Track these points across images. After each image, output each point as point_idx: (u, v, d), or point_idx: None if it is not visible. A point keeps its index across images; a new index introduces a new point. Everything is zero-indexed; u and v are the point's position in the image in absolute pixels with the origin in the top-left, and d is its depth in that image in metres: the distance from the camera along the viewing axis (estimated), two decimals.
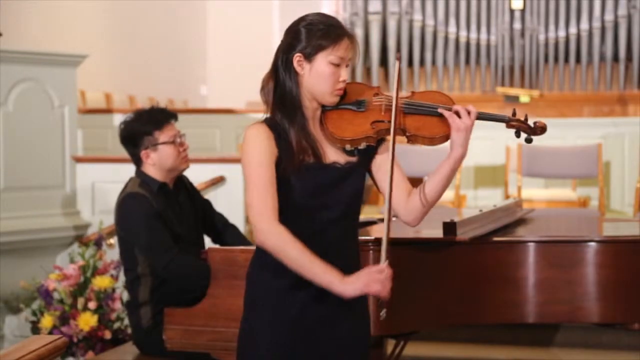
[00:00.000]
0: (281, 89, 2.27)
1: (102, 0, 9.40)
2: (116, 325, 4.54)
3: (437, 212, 3.78)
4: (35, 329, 4.57)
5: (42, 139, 5.41)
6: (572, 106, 10.64)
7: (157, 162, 3.53)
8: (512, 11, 11.16)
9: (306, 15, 2.31)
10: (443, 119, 2.30)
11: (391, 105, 2.30)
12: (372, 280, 2.14)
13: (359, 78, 11.19)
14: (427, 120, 2.32)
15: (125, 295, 4.43)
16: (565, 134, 7.95)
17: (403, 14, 11.25)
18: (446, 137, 2.31)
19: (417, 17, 11.23)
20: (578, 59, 11.06)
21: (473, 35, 11.25)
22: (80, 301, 4.47)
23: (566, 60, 11.06)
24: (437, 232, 2.87)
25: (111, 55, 9.43)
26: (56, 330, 4.44)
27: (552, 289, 2.95)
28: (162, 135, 3.53)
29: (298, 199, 2.23)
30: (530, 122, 2.41)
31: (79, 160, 5.58)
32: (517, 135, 2.41)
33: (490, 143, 7.77)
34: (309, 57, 2.24)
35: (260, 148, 2.22)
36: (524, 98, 10.62)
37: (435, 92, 2.41)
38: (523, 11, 11.13)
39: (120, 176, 5.51)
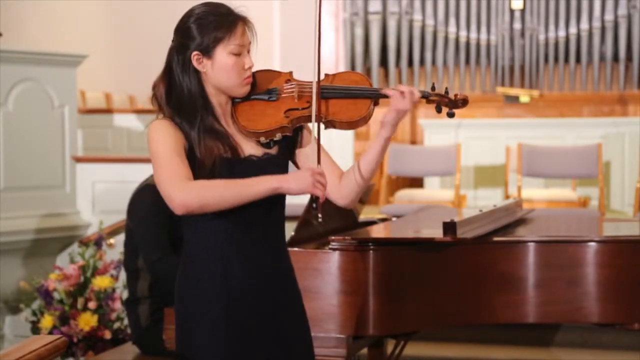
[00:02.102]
0: (178, 92, 2.16)
1: (102, 0, 9.40)
2: (116, 325, 4.55)
3: (437, 212, 3.78)
4: (35, 329, 4.58)
5: (42, 139, 5.41)
6: (572, 106, 10.63)
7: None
8: (512, 11, 11.15)
9: (192, 9, 2.21)
10: (358, 102, 2.22)
11: (304, 92, 2.21)
12: (316, 181, 2.06)
13: None
14: (343, 103, 2.22)
15: (125, 295, 4.44)
16: (565, 134, 7.94)
17: (403, 14, 11.25)
18: (364, 120, 2.24)
19: (417, 17, 11.23)
20: (578, 59, 11.05)
21: (473, 35, 11.24)
22: (80, 301, 4.47)
23: (566, 60, 11.05)
24: (437, 232, 2.87)
25: (111, 55, 9.43)
26: (56, 330, 4.44)
27: (552, 289, 2.95)
28: None
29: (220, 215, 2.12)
30: (451, 95, 2.29)
31: (79, 160, 5.58)
32: (438, 110, 2.30)
33: (490, 143, 7.77)
34: (207, 52, 2.14)
35: (167, 137, 2.11)
36: (524, 98, 10.62)
37: (350, 73, 2.31)
38: (523, 11, 11.12)
39: (120, 176, 5.54)
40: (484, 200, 7.41)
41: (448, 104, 2.28)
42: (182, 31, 2.19)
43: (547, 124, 8.47)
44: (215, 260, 2.17)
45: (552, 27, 11.04)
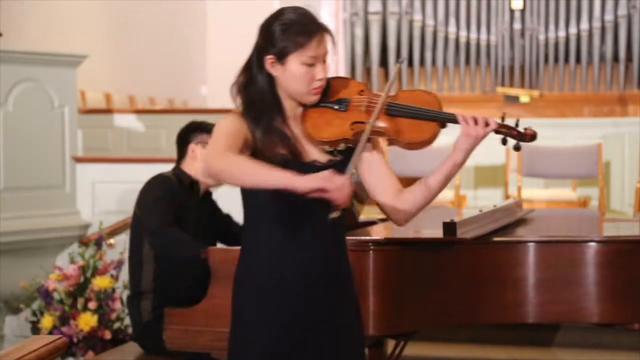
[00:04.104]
0: (252, 89, 2.22)
1: (102, 0, 9.40)
2: (116, 325, 4.55)
3: (437, 212, 3.78)
4: (35, 329, 4.58)
5: (42, 139, 5.41)
6: (572, 106, 10.64)
7: (200, 159, 3.60)
8: (512, 11, 11.16)
9: (279, 12, 2.24)
10: (423, 124, 2.25)
11: (373, 105, 2.24)
12: (331, 181, 1.99)
13: (358, 78, 11.20)
14: (408, 123, 2.25)
15: (125, 295, 4.44)
16: (565, 134, 7.95)
17: (403, 14, 11.25)
18: (426, 143, 2.27)
19: (417, 17, 11.23)
20: (578, 59, 11.06)
21: (473, 35, 11.25)
22: (80, 301, 4.47)
23: (566, 60, 11.06)
24: (437, 232, 2.87)
25: (111, 55, 9.43)
26: (56, 330, 4.44)
27: (552, 289, 2.95)
28: None
29: (278, 196, 2.13)
30: (521, 128, 2.35)
31: (79, 160, 5.58)
32: (504, 142, 2.38)
33: (490, 143, 7.75)
34: (280, 59, 2.19)
35: (230, 125, 2.18)
36: (524, 98, 10.62)
37: (421, 93, 2.33)
38: (523, 11, 11.13)
39: (120, 176, 5.54)
40: (484, 200, 7.41)
41: (516, 137, 2.33)
42: (263, 32, 2.23)
43: (547, 124, 8.47)
44: (271, 254, 2.21)
45: (552, 27, 11.05)
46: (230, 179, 2.06)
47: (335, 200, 2.01)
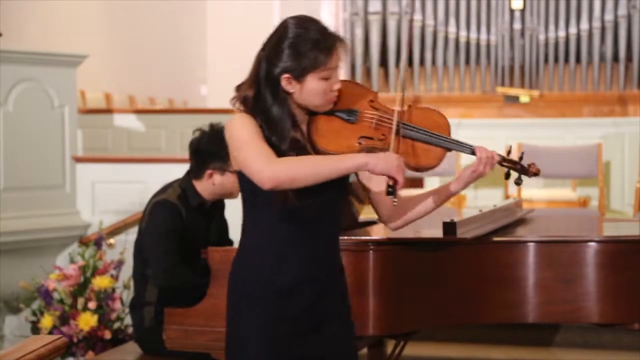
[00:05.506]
0: (262, 104, 2.14)
1: (102, 1, 9.40)
2: (116, 325, 4.55)
3: (437, 212, 3.78)
4: (35, 329, 4.58)
5: (42, 139, 5.41)
6: (572, 106, 10.64)
7: (218, 185, 3.54)
8: (512, 11, 11.16)
9: (287, 26, 2.14)
10: (432, 149, 2.22)
11: (383, 123, 2.19)
12: (399, 165, 2.07)
13: (359, 78, 11.19)
14: (416, 146, 2.21)
15: (125, 295, 4.44)
16: (565, 134, 7.95)
17: (403, 14, 11.25)
18: (432, 168, 2.23)
19: (417, 17, 11.23)
20: (578, 59, 11.05)
21: (473, 35, 11.25)
22: (80, 301, 4.47)
23: (566, 60, 11.05)
24: (437, 232, 2.87)
25: (111, 55, 9.42)
26: (56, 330, 4.44)
27: (552, 289, 2.95)
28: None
29: (283, 197, 2.13)
30: (525, 163, 2.38)
31: (79, 160, 5.58)
32: (507, 177, 2.40)
33: (490, 143, 7.74)
34: (298, 78, 2.11)
35: (251, 126, 2.12)
36: (524, 98, 10.62)
37: (434, 114, 2.28)
38: (523, 11, 11.13)
39: (120, 176, 5.54)
40: (484, 200, 7.41)
41: (519, 171, 2.35)
42: (275, 49, 2.14)
43: (547, 124, 8.47)
44: (270, 252, 2.19)
45: (552, 27, 11.05)
46: (305, 180, 2.05)
47: (400, 179, 2.07)
